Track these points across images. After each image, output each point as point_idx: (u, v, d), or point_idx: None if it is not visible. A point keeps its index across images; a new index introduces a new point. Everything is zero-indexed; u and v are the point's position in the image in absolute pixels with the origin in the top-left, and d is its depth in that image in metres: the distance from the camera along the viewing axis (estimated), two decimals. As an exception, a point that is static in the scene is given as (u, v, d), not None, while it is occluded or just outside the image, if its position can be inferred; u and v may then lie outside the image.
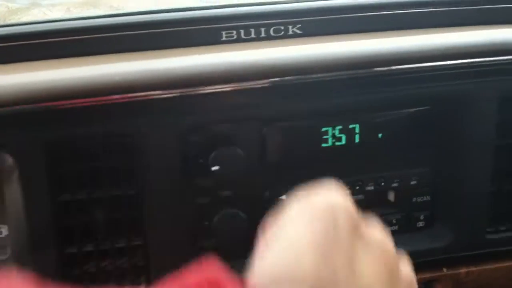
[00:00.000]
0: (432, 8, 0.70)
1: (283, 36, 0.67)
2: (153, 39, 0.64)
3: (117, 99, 0.57)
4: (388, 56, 0.63)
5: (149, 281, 0.62)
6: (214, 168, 0.59)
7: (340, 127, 0.64)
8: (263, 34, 0.66)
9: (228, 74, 0.59)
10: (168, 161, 0.59)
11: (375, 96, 0.64)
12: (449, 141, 0.68)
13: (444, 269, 0.73)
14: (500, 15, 0.70)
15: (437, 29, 0.69)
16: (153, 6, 0.89)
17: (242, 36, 0.66)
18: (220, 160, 0.59)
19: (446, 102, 0.66)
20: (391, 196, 0.70)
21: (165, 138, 0.59)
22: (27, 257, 0.59)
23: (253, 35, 0.66)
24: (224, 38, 0.65)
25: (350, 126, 0.65)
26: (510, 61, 0.64)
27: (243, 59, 0.61)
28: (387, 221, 0.70)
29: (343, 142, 0.65)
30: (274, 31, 0.66)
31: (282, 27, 0.66)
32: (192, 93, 0.58)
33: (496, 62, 0.64)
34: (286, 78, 0.60)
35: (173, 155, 0.59)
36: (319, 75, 0.60)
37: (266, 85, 0.59)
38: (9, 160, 0.57)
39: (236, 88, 0.58)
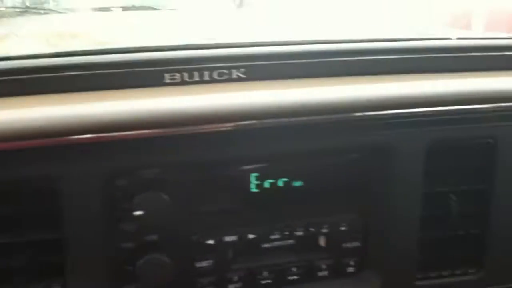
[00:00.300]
0: (369, 56, 0.72)
1: (227, 79, 0.67)
2: (95, 80, 0.64)
3: (40, 142, 0.57)
4: (321, 105, 0.64)
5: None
6: (138, 213, 0.59)
7: (268, 172, 0.65)
8: (206, 77, 0.67)
9: (156, 119, 0.59)
10: (92, 205, 0.59)
11: (304, 143, 0.65)
12: (378, 189, 0.69)
13: (373, 316, 0.73)
14: (430, 64, 0.72)
15: (370, 77, 0.70)
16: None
17: (186, 79, 0.66)
18: (144, 205, 0.59)
19: (375, 151, 0.67)
20: (321, 242, 0.71)
21: (89, 182, 0.59)
22: None
23: (196, 78, 0.66)
24: (167, 81, 0.66)
25: (279, 172, 0.65)
26: (436, 112, 0.66)
27: (174, 105, 0.61)
28: (317, 267, 0.71)
29: (271, 187, 0.65)
30: (218, 75, 0.67)
31: (226, 71, 0.67)
32: (120, 137, 0.58)
33: (423, 113, 0.66)
34: (213, 124, 0.60)
35: (97, 199, 0.59)
36: (250, 122, 0.61)
37: (194, 131, 0.60)
38: None
39: (165, 133, 0.59)
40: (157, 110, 0.59)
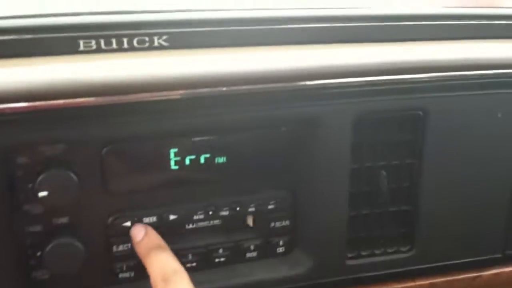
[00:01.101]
0: (295, 25, 0.68)
1: (148, 47, 0.62)
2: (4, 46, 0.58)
3: None
4: (244, 75, 0.60)
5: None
6: (42, 194, 0.54)
7: (189, 148, 0.61)
8: (125, 45, 0.61)
9: (63, 88, 0.54)
10: None
11: (227, 116, 0.61)
12: (306, 164, 0.66)
13: (304, 297, 0.71)
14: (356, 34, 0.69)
15: (297, 46, 0.66)
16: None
17: (102, 46, 0.60)
18: (49, 185, 0.54)
19: (302, 124, 0.64)
20: (249, 221, 0.67)
21: None
22: None
23: (114, 46, 0.61)
24: (82, 48, 0.60)
25: (201, 147, 0.62)
26: (364, 83, 0.63)
27: (83, 74, 0.56)
28: (245, 248, 0.67)
29: (192, 164, 0.61)
30: (138, 42, 0.62)
31: (147, 38, 0.62)
32: (19, 109, 0.52)
33: (350, 84, 0.63)
34: (128, 96, 0.56)
35: None
36: (167, 92, 0.57)
37: (106, 102, 0.55)
38: None
39: (68, 104, 0.54)
40: (63, 79, 0.54)
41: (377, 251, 0.71)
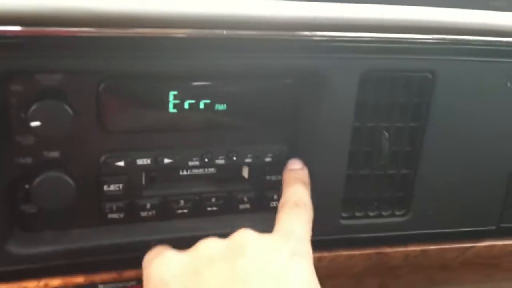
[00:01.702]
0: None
1: None
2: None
3: None
4: (251, 19, 0.57)
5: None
6: (34, 123, 0.52)
7: (189, 92, 0.59)
8: None
9: (63, 15, 0.51)
10: None
11: (231, 62, 0.59)
12: (307, 119, 0.64)
13: (296, 253, 0.70)
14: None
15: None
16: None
17: None
18: (42, 115, 0.52)
19: (307, 77, 0.62)
20: (244, 172, 0.66)
21: None
22: None
23: None
24: None
25: (200, 92, 0.60)
26: (373, 39, 0.61)
27: (84, 2, 0.53)
28: (238, 199, 0.66)
29: (191, 109, 0.60)
30: None
31: None
32: (15, 33, 0.50)
33: (359, 38, 0.61)
34: (130, 29, 0.53)
35: None
36: (170, 30, 0.54)
37: (108, 34, 0.52)
38: None
39: (67, 32, 0.51)
40: (64, 5, 0.50)
41: (371, 213, 0.70)
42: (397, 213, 0.71)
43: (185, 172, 0.63)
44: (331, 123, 0.64)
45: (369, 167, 0.68)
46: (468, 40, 0.64)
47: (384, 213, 0.71)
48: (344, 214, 0.69)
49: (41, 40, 0.51)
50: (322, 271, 0.72)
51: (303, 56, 0.60)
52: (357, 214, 0.70)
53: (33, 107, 0.52)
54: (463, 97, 0.67)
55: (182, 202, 0.64)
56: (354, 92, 0.63)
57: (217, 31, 0.56)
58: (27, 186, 0.57)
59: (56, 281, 0.61)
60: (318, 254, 0.70)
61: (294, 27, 0.58)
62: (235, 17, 0.56)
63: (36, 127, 0.53)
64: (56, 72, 0.54)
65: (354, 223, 0.70)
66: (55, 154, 0.57)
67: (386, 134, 0.67)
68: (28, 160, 0.56)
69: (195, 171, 0.64)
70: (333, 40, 0.60)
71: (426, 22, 0.62)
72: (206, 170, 0.64)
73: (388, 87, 0.65)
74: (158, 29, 0.54)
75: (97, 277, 0.61)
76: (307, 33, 0.59)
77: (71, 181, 0.56)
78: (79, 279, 0.61)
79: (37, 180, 0.55)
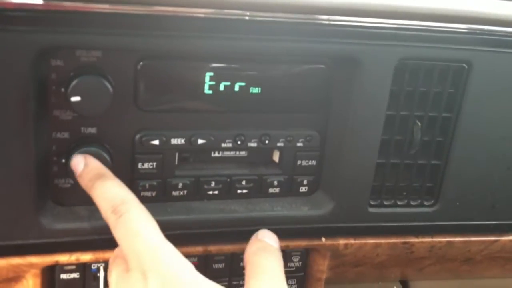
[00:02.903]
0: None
1: None
2: None
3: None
4: (289, 2, 0.57)
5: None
6: (74, 99, 0.53)
7: (224, 74, 0.59)
8: None
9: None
10: (23, 84, 0.52)
11: (268, 45, 0.58)
12: (340, 105, 0.64)
13: (323, 239, 0.70)
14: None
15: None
16: None
17: None
18: (81, 91, 0.53)
19: (342, 63, 0.62)
20: (275, 156, 0.66)
21: (19, 55, 0.51)
22: None
23: None
24: None
25: (236, 75, 0.60)
26: (410, 27, 0.61)
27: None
28: (269, 183, 0.66)
29: (226, 90, 0.60)
30: None
31: None
32: (58, 7, 0.50)
33: (396, 25, 0.61)
34: (170, 8, 0.53)
35: (29, 78, 0.52)
36: (210, 10, 0.55)
37: (148, 13, 0.53)
38: None
39: (112, 10, 0.52)
40: None
41: (400, 202, 0.70)
42: (426, 203, 0.71)
43: (217, 154, 0.63)
44: (364, 110, 0.63)
45: (399, 156, 0.68)
46: (506, 32, 0.64)
47: (412, 203, 0.71)
48: (372, 202, 0.69)
49: (82, 16, 0.51)
50: (347, 258, 0.73)
51: (339, 41, 0.60)
52: (386, 202, 0.70)
53: (73, 82, 0.53)
54: (498, 89, 0.67)
55: (213, 183, 0.64)
56: (388, 80, 0.63)
57: (256, 13, 0.56)
58: (63, 160, 0.57)
59: (87, 256, 0.62)
60: (344, 241, 0.70)
61: (331, 12, 0.58)
62: (275, 1, 0.56)
63: (76, 102, 0.53)
64: (96, 49, 0.54)
65: (382, 211, 0.70)
66: (92, 130, 0.57)
67: (419, 123, 0.67)
68: (66, 135, 0.57)
69: (227, 153, 0.64)
70: (370, 26, 0.60)
71: (464, 11, 0.62)
72: (237, 152, 0.64)
73: (423, 76, 0.65)
74: (197, 9, 0.54)
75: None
76: (345, 18, 0.59)
77: (107, 157, 0.56)
78: (110, 255, 0.61)
79: (74, 155, 0.56)
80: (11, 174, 0.54)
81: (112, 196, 0.51)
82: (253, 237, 0.59)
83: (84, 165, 0.55)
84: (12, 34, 0.50)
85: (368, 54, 0.61)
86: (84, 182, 0.54)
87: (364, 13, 0.59)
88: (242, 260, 0.65)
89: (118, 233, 0.49)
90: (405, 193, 0.71)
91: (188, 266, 0.48)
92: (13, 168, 0.54)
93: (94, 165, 0.55)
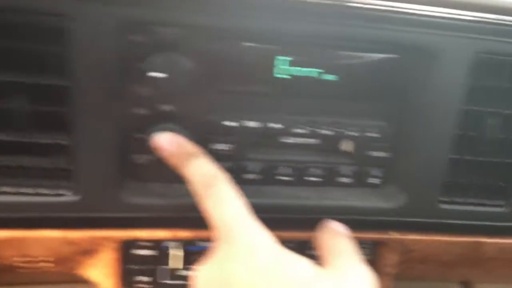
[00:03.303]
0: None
1: None
2: None
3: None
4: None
5: (71, 185, 0.58)
6: (154, 74, 0.54)
7: (301, 59, 0.60)
8: None
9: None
10: (102, 57, 0.53)
11: (344, 30, 0.59)
12: (415, 98, 0.63)
13: (392, 233, 0.69)
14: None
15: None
16: None
17: None
18: (161, 66, 0.54)
19: (417, 54, 0.61)
20: (347, 146, 0.66)
21: (100, 28, 0.52)
22: None
23: None
24: None
25: (313, 60, 0.60)
26: (491, 20, 0.60)
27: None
28: (340, 172, 0.66)
29: (299, 75, 0.60)
30: None
31: None
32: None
33: (475, 18, 0.60)
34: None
35: (108, 52, 0.53)
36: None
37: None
38: None
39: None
40: None
41: (471, 200, 0.69)
42: (498, 203, 0.69)
43: (290, 140, 0.64)
44: (438, 103, 0.63)
45: (472, 153, 0.67)
46: None
47: (484, 202, 0.69)
48: (443, 199, 0.68)
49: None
50: (415, 254, 0.71)
51: (415, 30, 0.59)
52: (457, 200, 0.68)
53: (153, 58, 0.54)
54: None
55: (285, 169, 0.64)
56: (464, 73, 0.62)
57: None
58: (139, 136, 0.58)
59: (163, 233, 0.63)
60: (413, 237, 0.69)
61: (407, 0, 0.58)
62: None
63: (155, 78, 0.54)
64: (176, 25, 0.55)
65: (453, 209, 0.68)
66: (170, 107, 0.58)
67: (495, 120, 0.65)
68: (144, 111, 0.58)
69: (300, 139, 0.64)
70: (448, 17, 0.59)
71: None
72: (310, 139, 0.64)
73: (500, 71, 0.64)
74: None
75: (204, 234, 0.61)
76: (422, 7, 0.59)
77: (185, 135, 0.58)
78: (186, 234, 0.62)
79: (154, 130, 0.57)
80: (95, 148, 0.56)
81: (205, 172, 0.54)
82: (324, 226, 0.59)
83: (175, 143, 0.56)
84: (94, 6, 0.52)
85: (444, 46, 0.60)
86: (174, 160, 0.55)
87: (442, 3, 0.59)
88: (311, 248, 0.65)
89: (209, 202, 0.51)
90: (477, 191, 0.69)
91: (273, 239, 0.50)
92: (97, 142, 0.56)
93: (185, 143, 0.56)
